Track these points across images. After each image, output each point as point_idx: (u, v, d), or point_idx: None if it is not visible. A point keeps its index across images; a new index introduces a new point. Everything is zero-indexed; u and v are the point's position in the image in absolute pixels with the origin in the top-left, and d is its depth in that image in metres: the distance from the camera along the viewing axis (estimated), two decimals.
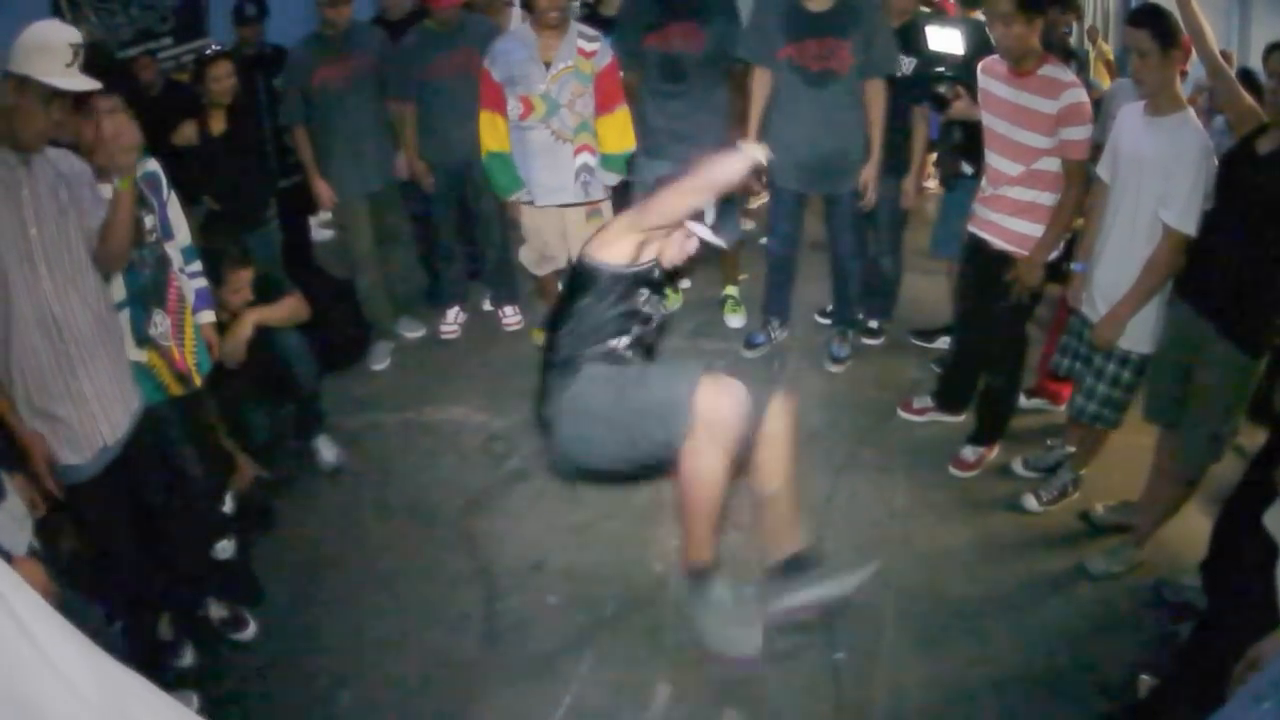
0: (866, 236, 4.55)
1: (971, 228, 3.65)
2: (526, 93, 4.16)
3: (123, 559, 2.71)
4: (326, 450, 3.98)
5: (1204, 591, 2.94)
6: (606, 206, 4.52)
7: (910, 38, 4.16)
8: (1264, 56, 3.49)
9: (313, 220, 5.41)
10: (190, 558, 3.07)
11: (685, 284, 5.32)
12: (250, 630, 3.12)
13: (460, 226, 5.07)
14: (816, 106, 4.05)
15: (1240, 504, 2.70)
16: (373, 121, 4.57)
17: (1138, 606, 3.15)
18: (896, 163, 4.29)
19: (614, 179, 4.41)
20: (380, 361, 4.77)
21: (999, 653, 2.97)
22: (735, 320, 5.00)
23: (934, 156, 5.34)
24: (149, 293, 2.95)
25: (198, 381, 3.13)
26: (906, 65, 4.19)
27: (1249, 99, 3.01)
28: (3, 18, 2.73)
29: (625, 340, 2.66)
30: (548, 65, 4.13)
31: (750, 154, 2.59)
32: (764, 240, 5.40)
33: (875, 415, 4.20)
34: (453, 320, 5.07)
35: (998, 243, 3.52)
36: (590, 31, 4.24)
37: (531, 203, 4.41)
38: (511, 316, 5.10)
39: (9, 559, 2.08)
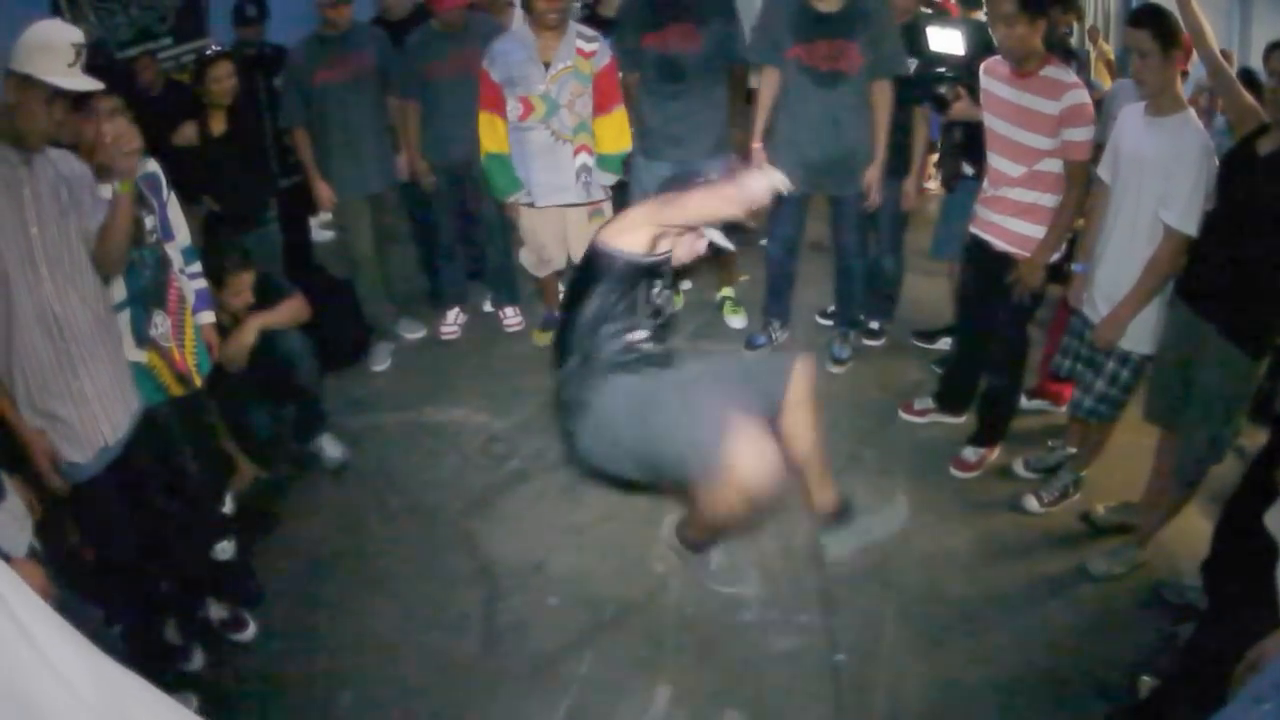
0: (869, 238, 4.55)
1: (973, 229, 3.64)
2: (526, 93, 4.16)
3: (123, 559, 2.71)
4: (331, 448, 3.98)
5: (1205, 592, 2.94)
6: (607, 207, 4.52)
7: (911, 38, 4.16)
8: (1265, 56, 3.48)
9: (313, 221, 5.41)
10: (190, 559, 3.07)
11: (686, 285, 5.32)
12: (250, 631, 3.13)
13: (461, 227, 5.07)
14: (824, 107, 4.04)
15: (1241, 505, 2.69)
16: (373, 122, 4.57)
17: (1138, 607, 3.14)
18: (897, 163, 4.28)
19: (610, 179, 4.41)
20: (380, 362, 4.77)
21: (999, 653, 2.96)
22: (736, 321, 5.00)
23: (935, 157, 5.35)
24: (149, 293, 2.95)
25: (198, 382, 3.13)
26: (908, 66, 4.19)
27: (1249, 98, 3.01)
28: (3, 18, 2.72)
29: (642, 334, 2.68)
30: (547, 66, 4.13)
31: (775, 180, 2.57)
32: (763, 242, 5.40)
33: (876, 416, 4.20)
34: (452, 321, 5.07)
35: (999, 244, 3.52)
36: (589, 32, 4.25)
37: (531, 204, 4.41)
38: (512, 318, 5.09)
39: (8, 560, 2.08)
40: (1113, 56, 6.88)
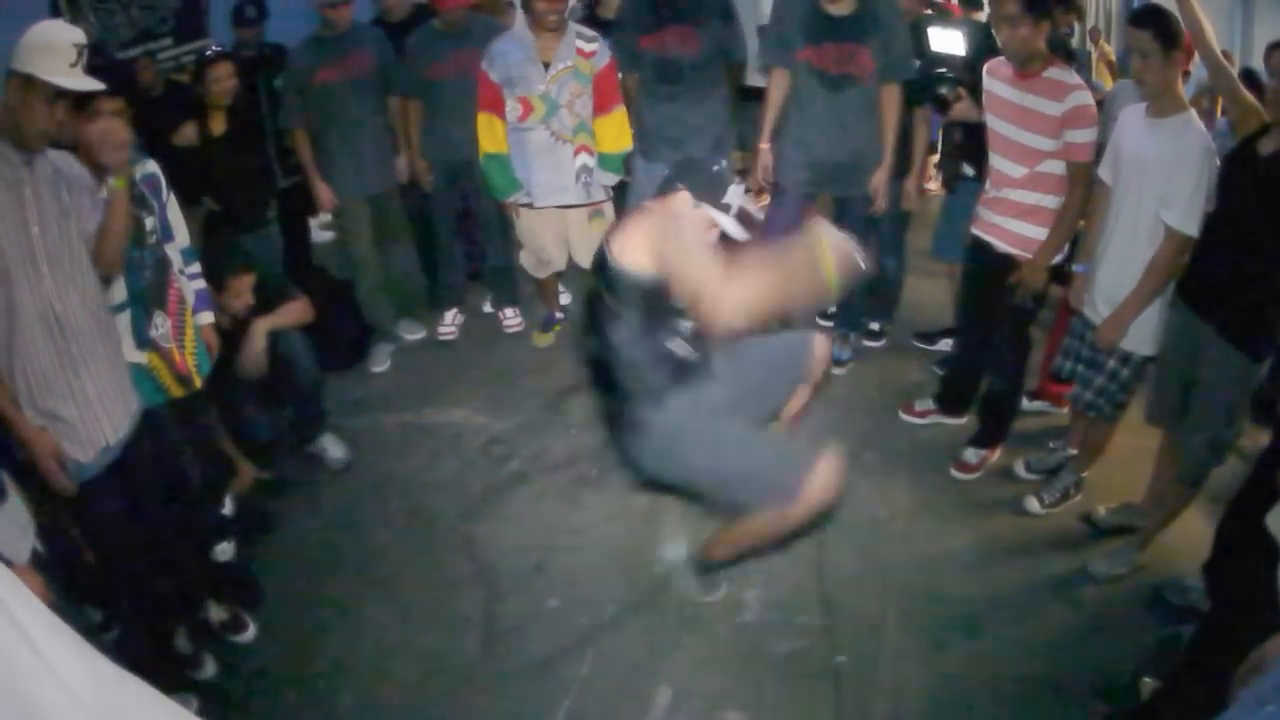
0: (870, 239, 4.54)
1: (975, 230, 3.64)
2: (526, 94, 4.16)
3: (124, 560, 2.71)
4: (333, 448, 3.99)
5: (1206, 594, 2.93)
6: (608, 208, 4.52)
7: (913, 39, 4.15)
8: (1266, 55, 3.48)
9: (313, 221, 5.41)
10: (190, 560, 3.06)
11: None
12: (250, 632, 3.13)
13: (460, 228, 5.07)
14: (833, 110, 4.03)
15: (1243, 506, 2.68)
16: (373, 123, 4.57)
17: (1140, 609, 3.14)
18: (898, 164, 4.27)
19: (611, 179, 4.41)
20: (380, 363, 4.77)
21: (1000, 655, 2.96)
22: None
23: (935, 158, 5.35)
24: (150, 294, 2.94)
25: (198, 383, 3.13)
26: (915, 69, 4.18)
27: (1250, 97, 3.00)
28: (3, 18, 2.71)
29: (680, 343, 2.66)
30: (546, 66, 4.13)
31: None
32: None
33: (876, 417, 4.20)
34: (450, 322, 5.06)
35: (1001, 245, 3.51)
36: (588, 32, 4.24)
37: (530, 205, 4.41)
38: (512, 319, 5.09)
39: (12, 567, 2.08)
40: (1114, 57, 6.88)
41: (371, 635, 3.12)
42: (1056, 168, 3.30)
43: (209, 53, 4.26)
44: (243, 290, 3.56)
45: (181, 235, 3.21)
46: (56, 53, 2.30)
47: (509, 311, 5.10)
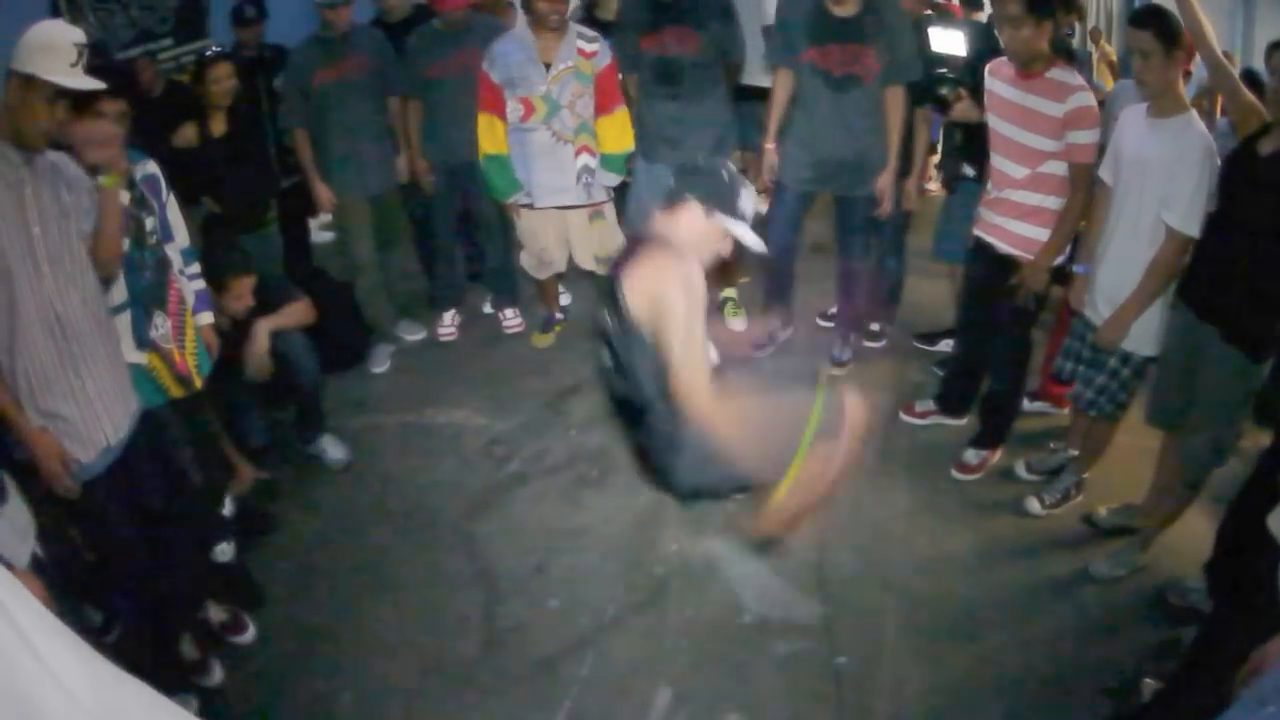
0: (872, 240, 4.54)
1: (977, 231, 3.63)
2: (527, 94, 4.15)
3: (124, 561, 2.70)
4: (333, 449, 3.99)
5: (1208, 595, 2.93)
6: (609, 209, 4.52)
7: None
8: (1266, 55, 3.47)
9: (313, 222, 5.40)
10: (189, 560, 3.06)
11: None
12: (249, 633, 3.12)
13: (460, 228, 5.06)
14: (837, 110, 4.03)
15: (1244, 506, 2.68)
16: (373, 124, 4.57)
17: (1141, 610, 3.14)
18: (899, 164, 4.27)
19: (613, 179, 4.41)
20: (380, 364, 4.76)
21: (1002, 656, 2.95)
22: (737, 323, 4.98)
23: (935, 158, 5.34)
24: (150, 295, 2.95)
25: (198, 384, 3.13)
26: (921, 72, 4.17)
27: (1250, 96, 2.98)
28: (3, 18, 2.71)
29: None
30: (548, 66, 4.13)
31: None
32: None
33: (877, 418, 4.18)
34: (449, 323, 5.06)
35: (1003, 246, 3.50)
36: (589, 32, 4.24)
37: (530, 205, 4.41)
38: (512, 319, 5.08)
39: (12, 570, 2.07)
40: (1115, 57, 6.87)
41: (371, 636, 3.11)
42: (1058, 169, 3.30)
43: (209, 53, 4.25)
44: (243, 292, 3.56)
45: (181, 236, 3.21)
46: (57, 52, 2.30)
47: (509, 312, 5.09)
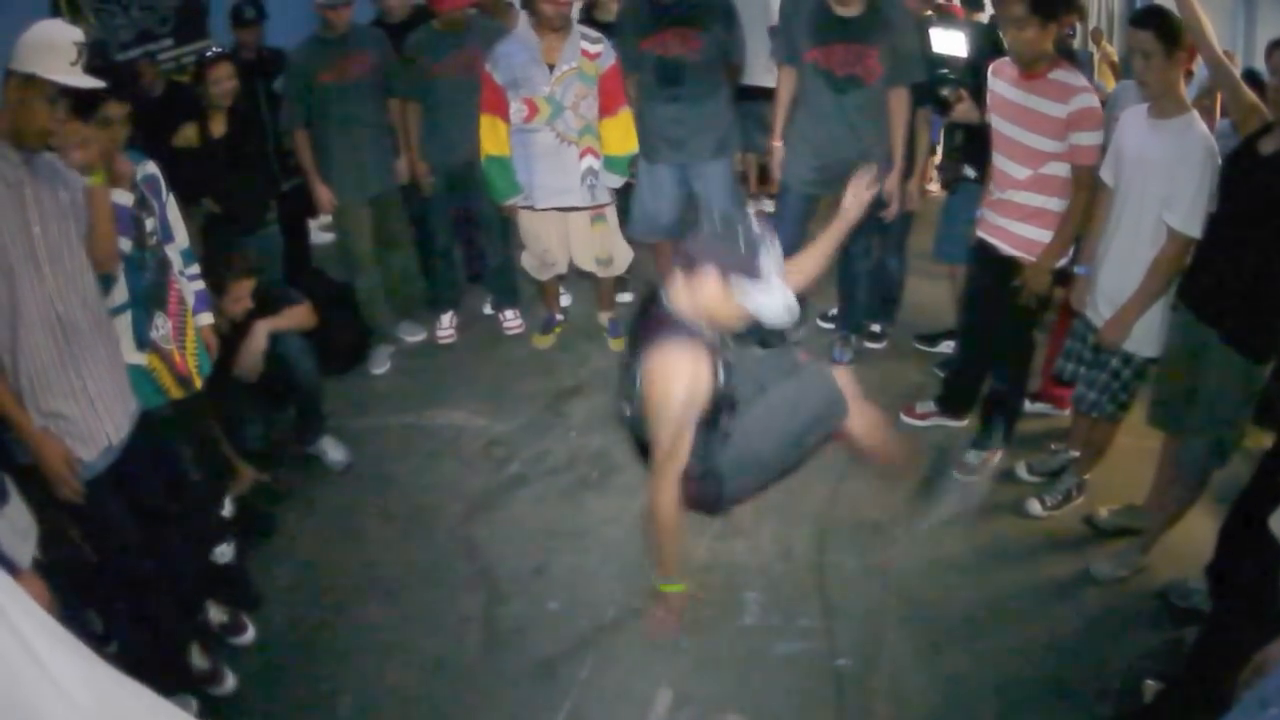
0: (873, 241, 4.53)
1: (980, 232, 3.62)
2: (530, 95, 4.15)
3: (124, 561, 2.70)
4: (333, 450, 3.99)
5: (1209, 596, 2.93)
6: (610, 211, 4.51)
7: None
8: (1267, 53, 3.47)
9: (312, 223, 5.40)
10: (189, 561, 3.05)
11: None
12: (249, 634, 3.12)
13: (459, 230, 5.06)
14: (839, 111, 4.02)
15: (1246, 508, 2.68)
16: (373, 125, 4.56)
17: (1143, 611, 3.13)
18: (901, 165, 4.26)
19: (617, 181, 4.40)
20: (380, 366, 4.76)
21: (1002, 657, 2.95)
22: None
23: (936, 159, 5.34)
24: (151, 295, 2.95)
25: (198, 384, 3.13)
26: (924, 74, 4.16)
27: (1251, 95, 2.98)
28: (3, 18, 2.71)
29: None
30: (551, 67, 4.12)
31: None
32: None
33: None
34: (448, 325, 5.05)
35: (1005, 248, 3.49)
36: (593, 33, 4.24)
37: (531, 207, 4.40)
38: (512, 320, 5.08)
39: (15, 573, 2.07)
40: (1116, 58, 6.87)
41: (371, 637, 3.11)
42: (1061, 170, 3.29)
43: (209, 54, 4.25)
44: (242, 294, 3.56)
45: (181, 236, 3.21)
46: (57, 51, 2.30)
47: (509, 313, 5.09)
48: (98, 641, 2.65)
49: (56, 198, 2.42)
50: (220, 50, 4.41)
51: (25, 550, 2.21)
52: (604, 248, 4.56)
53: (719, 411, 2.66)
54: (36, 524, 2.29)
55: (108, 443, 2.55)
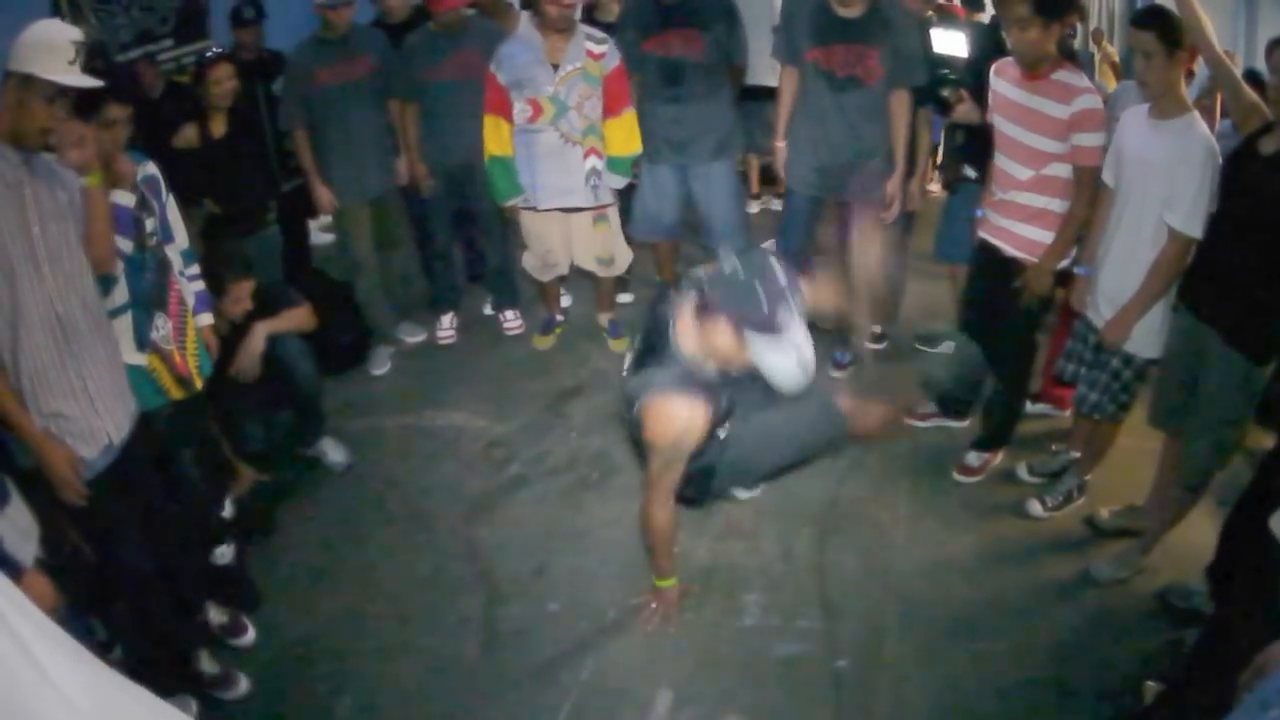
0: None
1: (982, 233, 3.61)
2: (534, 95, 4.15)
3: (124, 562, 2.70)
4: (334, 452, 3.99)
5: (1210, 597, 2.92)
6: (613, 212, 4.51)
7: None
8: (1267, 52, 3.46)
9: (312, 224, 5.40)
10: (189, 562, 3.05)
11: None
12: (249, 636, 3.12)
13: (460, 230, 5.06)
14: (839, 112, 4.01)
15: (1247, 508, 2.68)
16: (373, 125, 4.56)
17: (1143, 612, 3.13)
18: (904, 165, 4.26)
19: (620, 182, 4.40)
20: (380, 367, 4.75)
21: (1002, 659, 2.95)
22: None
23: (937, 159, 5.33)
24: (151, 296, 2.94)
25: (198, 385, 3.12)
26: (925, 76, 4.15)
27: (1252, 94, 2.97)
28: (3, 17, 2.70)
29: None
30: (555, 67, 4.12)
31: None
32: (765, 245, 5.36)
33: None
34: (448, 326, 5.04)
35: (1008, 249, 3.48)
36: (598, 34, 4.23)
37: (534, 208, 4.40)
38: (512, 321, 5.08)
39: (19, 571, 2.07)
40: (1117, 58, 6.86)
41: (372, 638, 3.11)
42: (1063, 171, 3.28)
43: (209, 54, 4.25)
44: (241, 296, 3.55)
45: (181, 237, 3.21)
46: (55, 51, 2.29)
47: (509, 314, 5.08)
48: (101, 648, 2.65)
49: (55, 198, 2.42)
50: (220, 51, 4.41)
51: (28, 549, 2.21)
52: (605, 248, 4.56)
53: (717, 426, 2.69)
54: (37, 525, 2.30)
55: (108, 442, 2.55)
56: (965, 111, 3.86)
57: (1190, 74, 3.58)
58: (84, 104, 2.50)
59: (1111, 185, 3.18)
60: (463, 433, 4.21)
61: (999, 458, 3.82)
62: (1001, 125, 3.42)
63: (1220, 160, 2.88)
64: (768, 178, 6.20)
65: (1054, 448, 3.84)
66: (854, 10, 3.85)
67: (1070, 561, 3.35)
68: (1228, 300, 2.87)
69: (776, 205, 6.04)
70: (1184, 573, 3.16)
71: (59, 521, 2.56)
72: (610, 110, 4.24)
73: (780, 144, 4.25)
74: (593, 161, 4.29)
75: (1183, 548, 3.24)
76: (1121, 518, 3.44)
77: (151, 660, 2.79)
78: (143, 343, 2.91)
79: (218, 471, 3.50)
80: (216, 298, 3.44)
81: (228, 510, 3.47)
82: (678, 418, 2.51)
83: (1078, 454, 3.68)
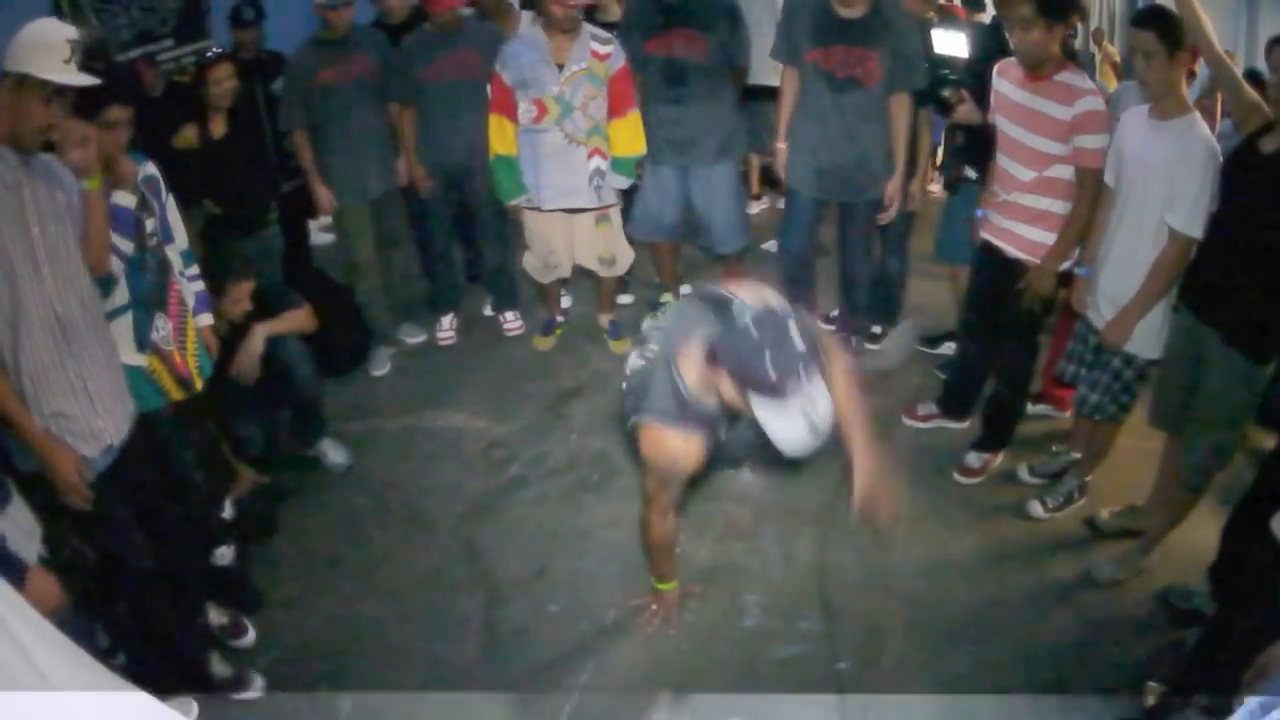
0: (875, 245, 4.53)
1: (984, 234, 3.61)
2: (539, 95, 4.14)
3: (126, 562, 2.69)
4: (334, 452, 3.98)
5: (1211, 597, 2.92)
6: (615, 212, 4.50)
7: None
8: (1267, 50, 3.46)
9: (312, 224, 5.40)
10: (189, 563, 3.05)
11: (685, 289, 5.27)
12: (249, 636, 3.11)
13: (459, 231, 5.05)
14: (839, 113, 4.00)
15: (1248, 509, 2.67)
16: (373, 126, 4.55)
17: (1144, 613, 3.12)
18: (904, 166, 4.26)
19: (624, 183, 4.39)
20: (380, 367, 4.75)
21: (1004, 660, 2.94)
22: None
23: (937, 159, 5.32)
24: (151, 297, 2.94)
25: (198, 385, 3.12)
26: (926, 79, 4.15)
27: (1253, 94, 2.97)
28: (3, 17, 2.70)
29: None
30: (560, 67, 4.12)
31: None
32: (765, 245, 5.37)
33: (878, 421, 4.14)
34: (448, 326, 5.04)
35: (1010, 250, 3.48)
36: (603, 34, 4.22)
37: (537, 208, 4.40)
38: (512, 322, 5.07)
39: (23, 571, 2.07)
40: (1118, 58, 6.86)
41: (372, 639, 3.10)
42: (1065, 172, 3.28)
43: (209, 54, 4.24)
44: (240, 296, 3.55)
45: (180, 237, 3.21)
46: (51, 50, 2.29)
47: (509, 315, 5.08)
48: (103, 655, 2.64)
49: (54, 199, 2.41)
50: (220, 51, 4.41)
51: (32, 548, 2.22)
52: (607, 248, 4.55)
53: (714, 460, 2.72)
54: (39, 525, 2.30)
55: (109, 441, 2.55)
56: (966, 112, 3.86)
57: (1191, 74, 3.57)
58: (86, 104, 2.49)
59: (1112, 185, 3.18)
60: (463, 434, 4.21)
61: (999, 458, 3.82)
62: (1004, 126, 3.42)
63: (1221, 160, 2.88)
64: (768, 178, 6.19)
65: (1055, 448, 3.84)
66: (855, 11, 3.84)
67: (1071, 562, 3.34)
68: (1228, 300, 2.87)
69: (781, 204, 6.03)
70: (1185, 573, 3.16)
71: (59, 523, 2.55)
72: (615, 111, 4.24)
73: (781, 145, 4.24)
74: (597, 162, 4.29)
75: (1183, 548, 3.24)
76: (1122, 518, 3.44)
77: (148, 657, 2.78)
78: (143, 343, 2.90)
79: (218, 472, 3.49)
80: (216, 298, 3.44)
81: (228, 511, 3.46)
82: (671, 450, 2.52)
83: (1078, 455, 3.68)
